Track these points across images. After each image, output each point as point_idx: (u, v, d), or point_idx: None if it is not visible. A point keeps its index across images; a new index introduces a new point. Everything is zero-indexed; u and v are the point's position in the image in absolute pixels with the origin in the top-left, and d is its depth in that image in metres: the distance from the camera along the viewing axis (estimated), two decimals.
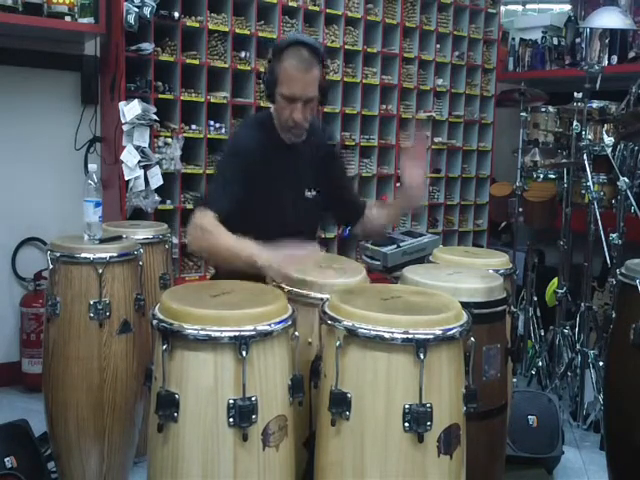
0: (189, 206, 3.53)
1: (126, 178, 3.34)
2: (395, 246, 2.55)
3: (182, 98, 3.52)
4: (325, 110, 4.01)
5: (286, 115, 2.02)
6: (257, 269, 1.73)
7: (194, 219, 1.93)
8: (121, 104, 3.31)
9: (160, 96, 3.46)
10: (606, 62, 4.30)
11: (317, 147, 2.20)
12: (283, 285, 1.76)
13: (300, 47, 1.98)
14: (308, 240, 1.94)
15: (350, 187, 2.55)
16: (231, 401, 1.43)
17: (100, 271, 2.22)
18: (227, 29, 3.61)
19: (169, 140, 3.49)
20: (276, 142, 2.10)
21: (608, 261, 3.33)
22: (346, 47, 4.07)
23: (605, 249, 3.27)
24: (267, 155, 2.06)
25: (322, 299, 1.66)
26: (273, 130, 2.11)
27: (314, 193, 2.18)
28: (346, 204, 2.33)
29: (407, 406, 1.43)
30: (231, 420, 1.43)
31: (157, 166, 3.42)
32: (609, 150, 3.71)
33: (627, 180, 3.26)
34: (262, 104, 3.66)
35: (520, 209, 3.99)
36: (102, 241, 2.30)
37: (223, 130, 3.65)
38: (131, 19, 3.22)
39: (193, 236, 1.94)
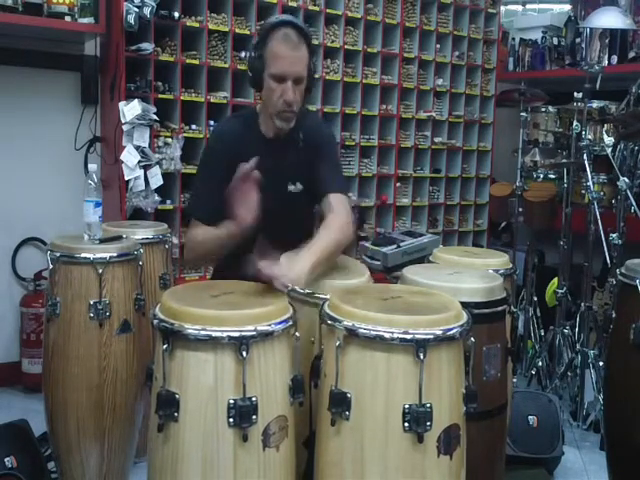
0: None
1: (126, 178, 3.34)
2: (395, 246, 2.54)
3: (182, 98, 3.52)
4: (325, 110, 4.01)
5: (276, 96, 1.95)
6: (243, 237, 1.82)
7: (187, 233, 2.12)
8: (121, 104, 3.31)
9: (160, 96, 3.46)
10: (606, 62, 4.30)
11: (309, 147, 2.10)
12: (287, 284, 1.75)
13: (287, 27, 1.94)
14: (298, 236, 1.93)
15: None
16: (231, 401, 1.43)
17: (100, 271, 2.21)
18: (227, 29, 3.62)
19: (169, 140, 3.49)
20: (256, 135, 2.08)
21: (608, 261, 3.33)
22: (346, 47, 4.07)
23: (605, 249, 3.27)
24: (244, 147, 2.00)
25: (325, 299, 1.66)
26: (254, 124, 2.08)
27: (300, 188, 2.11)
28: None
29: (407, 406, 1.42)
30: (231, 420, 1.43)
31: (157, 166, 3.43)
32: (609, 150, 3.72)
33: (627, 180, 3.25)
34: None
35: (520, 209, 3.99)
36: (102, 241, 2.29)
37: None
38: (131, 19, 3.22)
39: (188, 253, 2.10)
